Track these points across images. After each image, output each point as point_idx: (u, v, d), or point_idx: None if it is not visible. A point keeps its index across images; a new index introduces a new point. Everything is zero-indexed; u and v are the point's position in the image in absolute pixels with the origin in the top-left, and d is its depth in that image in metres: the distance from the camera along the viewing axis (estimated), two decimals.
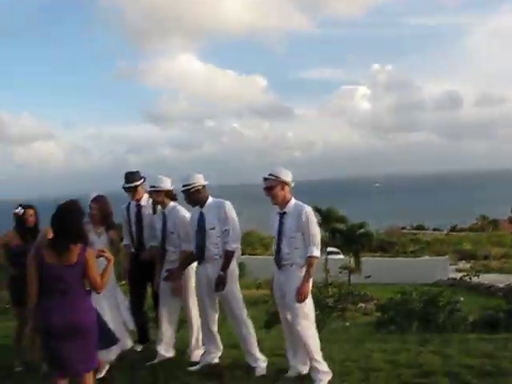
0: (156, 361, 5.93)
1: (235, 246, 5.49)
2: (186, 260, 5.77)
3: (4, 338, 7.59)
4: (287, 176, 5.14)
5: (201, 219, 5.56)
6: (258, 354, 5.57)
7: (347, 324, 12.18)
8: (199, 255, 5.58)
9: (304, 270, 5.08)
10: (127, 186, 6.30)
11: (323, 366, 5.14)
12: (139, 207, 6.38)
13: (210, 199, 5.63)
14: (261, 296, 16.25)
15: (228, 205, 5.55)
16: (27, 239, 6.14)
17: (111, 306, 6.09)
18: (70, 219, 4.23)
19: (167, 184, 5.89)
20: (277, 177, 5.10)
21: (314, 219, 5.14)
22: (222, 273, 5.42)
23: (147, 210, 6.37)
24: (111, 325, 6.01)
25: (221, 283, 5.41)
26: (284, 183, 5.12)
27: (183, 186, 5.56)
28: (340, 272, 16.58)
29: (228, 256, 5.47)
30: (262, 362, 5.53)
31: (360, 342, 6.62)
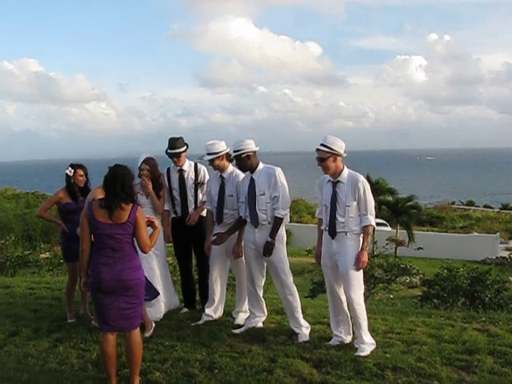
0: (201, 322, 6.08)
1: (284, 212, 5.53)
2: (236, 224, 5.85)
3: (58, 291, 7.92)
4: (340, 147, 5.11)
5: (251, 185, 5.61)
6: (302, 321, 5.64)
7: (391, 296, 12.12)
8: (250, 220, 5.64)
9: (357, 238, 5.12)
10: (171, 152, 6.33)
11: (368, 337, 5.19)
12: (182, 172, 6.43)
13: (261, 165, 5.67)
14: (307, 264, 16.37)
15: (278, 171, 5.57)
16: (77, 198, 6.35)
17: (160, 265, 6.28)
18: (121, 180, 4.37)
19: (225, 147, 5.90)
20: (329, 148, 5.07)
21: (369, 188, 5.13)
22: (270, 239, 5.49)
23: (190, 176, 6.43)
24: (160, 283, 6.20)
25: (269, 249, 5.49)
26: (336, 154, 5.09)
27: (234, 151, 5.60)
28: (387, 244, 16.40)
29: (277, 222, 5.52)
30: (305, 329, 5.61)
31: (404, 315, 6.60)
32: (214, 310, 6.18)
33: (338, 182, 5.15)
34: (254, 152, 5.63)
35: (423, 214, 39.16)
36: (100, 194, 5.31)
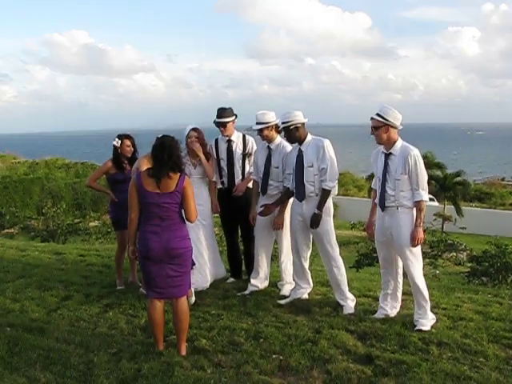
0: (247, 292, 6.16)
1: (332, 184, 5.51)
2: (282, 196, 5.87)
3: (107, 258, 8.13)
4: (394, 118, 4.99)
5: (299, 156, 5.60)
6: (348, 293, 5.65)
7: (437, 272, 12.01)
8: (296, 192, 5.65)
9: (410, 213, 5.02)
10: (218, 121, 6.35)
11: (429, 311, 5.14)
12: (230, 142, 6.44)
13: (309, 137, 5.64)
14: (352, 237, 16.34)
15: (327, 143, 5.54)
16: (124, 168, 6.46)
17: (208, 235, 6.36)
18: (169, 149, 4.42)
19: (274, 118, 5.91)
20: (383, 118, 4.98)
21: (421, 162, 5.00)
22: (317, 211, 5.49)
23: (238, 146, 6.44)
24: (206, 253, 6.30)
25: (316, 221, 5.49)
26: (389, 125, 4.99)
27: (282, 122, 5.59)
28: (434, 219, 16.21)
29: (325, 194, 5.51)
30: (350, 301, 5.62)
31: (450, 291, 6.53)
32: (259, 281, 6.25)
33: (390, 154, 5.05)
34: (303, 124, 5.60)
35: (472, 189, 38.41)
36: (145, 164, 5.42)
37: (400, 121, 5.03)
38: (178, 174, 4.44)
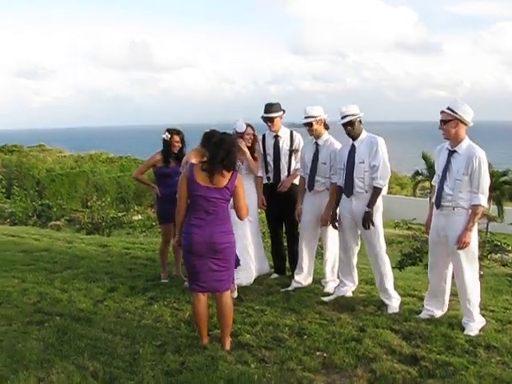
0: (291, 288, 6.15)
1: (384, 182, 5.45)
2: (334, 194, 5.81)
3: (152, 252, 8.24)
4: (465, 113, 4.82)
5: (351, 152, 5.53)
6: (393, 292, 5.59)
7: (481, 273, 11.76)
8: (344, 187, 5.60)
9: (466, 214, 4.87)
10: (266, 115, 6.35)
11: (478, 316, 5.03)
12: (277, 138, 6.45)
13: (364, 133, 5.56)
14: (395, 236, 16.12)
15: (381, 140, 5.46)
16: (169, 163, 6.50)
17: (253, 231, 6.38)
18: (228, 147, 4.44)
19: (322, 112, 5.88)
20: (453, 111, 4.82)
21: (486, 165, 4.83)
22: (368, 209, 5.43)
23: (285, 142, 6.43)
24: (252, 248, 6.32)
25: (368, 219, 5.43)
26: (459, 120, 4.82)
27: (345, 116, 5.47)
28: (479, 219, 15.87)
29: (376, 192, 5.45)
30: (395, 300, 5.55)
31: (498, 293, 6.42)
32: (303, 277, 6.24)
33: (455, 151, 4.90)
34: (360, 119, 5.52)
35: None
36: (194, 157, 5.45)
37: (471, 117, 4.85)
38: (232, 171, 4.48)
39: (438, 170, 5.06)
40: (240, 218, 4.60)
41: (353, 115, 5.44)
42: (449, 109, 4.85)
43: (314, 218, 6.02)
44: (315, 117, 5.83)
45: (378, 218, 5.54)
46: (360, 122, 5.51)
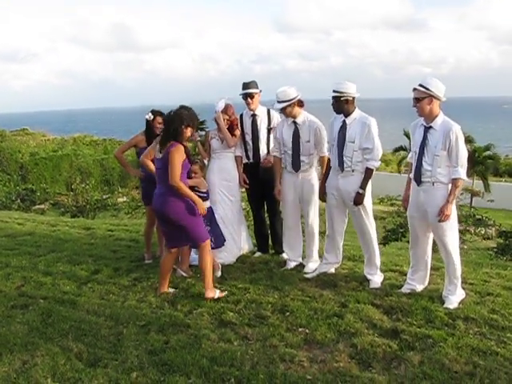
0: (287, 267, 6.19)
1: (377, 164, 5.46)
2: (326, 165, 5.80)
3: (136, 233, 8.26)
4: (438, 89, 4.81)
5: (342, 128, 5.48)
6: (377, 268, 5.66)
7: (465, 247, 11.92)
8: (338, 164, 5.54)
9: (446, 189, 4.91)
10: (245, 91, 6.32)
11: (459, 289, 5.12)
12: (254, 117, 6.43)
13: (357, 112, 5.49)
14: (379, 212, 16.22)
15: (373, 121, 5.42)
16: (150, 144, 6.47)
17: (235, 210, 6.42)
18: (170, 122, 5.10)
19: (296, 93, 5.77)
20: (426, 88, 4.81)
21: (462, 139, 4.85)
22: (361, 190, 5.43)
23: (263, 121, 6.41)
24: (234, 228, 6.35)
25: (360, 200, 5.45)
26: (433, 97, 4.82)
27: (334, 91, 5.41)
28: (461, 194, 16.02)
29: (369, 173, 5.46)
30: (377, 276, 5.63)
31: (478, 266, 6.49)
32: (298, 255, 6.29)
33: (431, 127, 4.91)
34: (353, 98, 5.45)
35: (502, 164, 37.79)
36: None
37: (443, 93, 4.86)
38: (172, 142, 5.00)
39: (415, 146, 5.06)
40: (169, 182, 4.97)
41: (340, 93, 5.38)
42: (421, 86, 4.84)
43: (296, 196, 6.04)
44: (288, 100, 5.72)
45: (367, 196, 5.54)
46: (347, 101, 5.39)
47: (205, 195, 5.87)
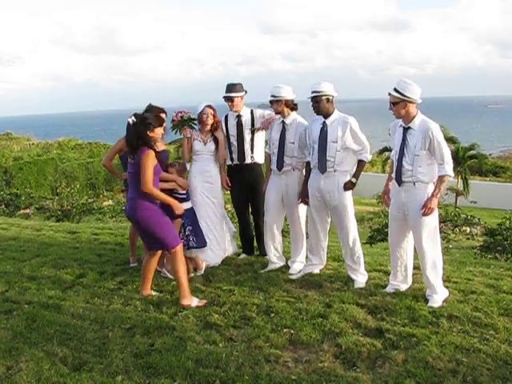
0: (269, 269, 6.20)
1: (369, 156, 5.58)
2: (307, 170, 5.85)
3: (121, 237, 8.23)
4: (413, 92, 4.84)
5: (323, 130, 5.52)
6: (362, 268, 5.69)
7: (450, 246, 12.02)
8: (319, 166, 5.57)
9: (427, 188, 4.96)
10: (226, 95, 6.34)
11: (441, 288, 5.16)
12: (239, 118, 6.43)
13: (336, 113, 5.54)
14: (365, 213, 16.33)
15: (353, 120, 5.49)
16: None
17: (218, 212, 6.42)
18: (133, 129, 5.10)
19: (288, 93, 5.83)
20: (400, 93, 4.86)
21: (442, 136, 4.89)
22: (354, 179, 5.54)
23: (247, 122, 6.41)
24: (217, 230, 6.36)
25: (350, 187, 5.55)
26: (407, 101, 4.86)
27: (313, 92, 5.45)
28: (446, 193, 16.17)
29: (362, 165, 5.58)
30: (362, 276, 5.66)
31: (462, 265, 6.55)
32: (276, 258, 6.28)
33: (409, 128, 4.95)
34: (332, 97, 5.50)
35: (487, 163, 38.10)
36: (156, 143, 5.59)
37: (419, 95, 4.89)
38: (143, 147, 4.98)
39: (396, 146, 5.11)
40: (141, 189, 4.95)
41: (319, 92, 5.43)
42: (396, 90, 4.88)
43: (279, 197, 6.06)
44: (275, 97, 5.80)
45: (348, 195, 5.59)
46: (328, 100, 5.46)
47: (184, 196, 5.90)
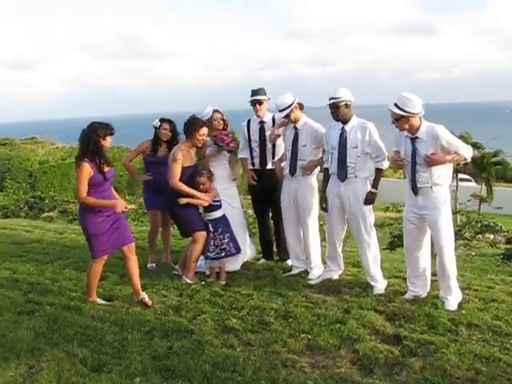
0: (291, 273, 6.24)
1: (386, 164, 5.54)
2: (325, 178, 5.84)
3: (142, 240, 8.29)
4: (413, 107, 4.82)
5: (342, 136, 5.52)
6: (379, 275, 5.68)
7: (473, 254, 11.87)
8: (339, 173, 5.58)
9: (443, 190, 5.00)
10: (254, 98, 6.39)
11: (457, 291, 5.17)
12: (262, 124, 6.48)
13: (355, 118, 5.55)
14: (386, 219, 16.16)
15: (372, 125, 5.49)
16: (157, 150, 6.54)
17: (237, 218, 6.45)
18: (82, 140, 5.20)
19: (293, 97, 5.84)
20: (401, 109, 4.83)
21: (449, 135, 4.91)
22: (373, 189, 5.53)
23: (269, 128, 6.43)
24: (238, 234, 6.40)
25: (371, 199, 5.54)
26: (409, 117, 4.85)
27: (331, 98, 5.45)
28: (468, 200, 15.97)
29: (379, 173, 5.56)
30: (381, 283, 5.65)
31: (483, 272, 6.50)
32: (297, 262, 6.33)
33: (417, 137, 4.95)
34: (350, 102, 5.51)
35: (511, 169, 37.63)
36: (181, 151, 5.65)
37: (420, 107, 4.86)
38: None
39: (407, 156, 5.08)
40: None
41: (337, 98, 5.43)
42: (396, 106, 4.86)
43: (292, 202, 6.09)
44: (289, 106, 5.80)
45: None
46: (346, 105, 5.47)
47: (217, 203, 6.01)
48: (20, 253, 7.83)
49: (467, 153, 4.97)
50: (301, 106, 5.95)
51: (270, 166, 6.49)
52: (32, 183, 26.84)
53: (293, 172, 6.00)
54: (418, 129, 4.94)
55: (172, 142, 6.50)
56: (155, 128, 6.54)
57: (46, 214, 16.79)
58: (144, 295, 5.42)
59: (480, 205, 27.02)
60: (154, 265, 6.67)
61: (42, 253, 7.77)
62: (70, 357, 4.24)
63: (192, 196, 5.88)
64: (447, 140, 4.87)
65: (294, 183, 6.04)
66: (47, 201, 17.16)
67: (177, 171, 5.79)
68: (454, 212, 12.43)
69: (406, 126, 4.93)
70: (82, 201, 5.17)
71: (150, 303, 5.32)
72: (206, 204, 5.97)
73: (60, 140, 46.76)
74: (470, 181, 32.25)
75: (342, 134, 5.53)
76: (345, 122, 5.53)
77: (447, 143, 4.87)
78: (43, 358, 4.22)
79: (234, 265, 6.33)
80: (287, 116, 5.88)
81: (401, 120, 4.90)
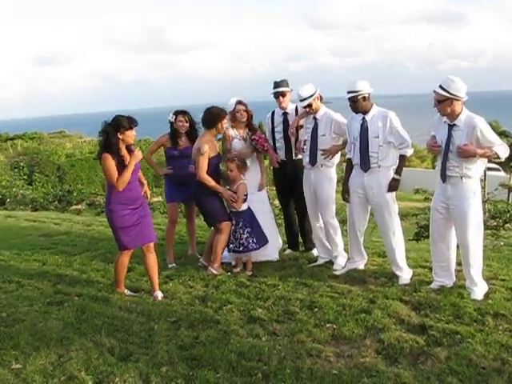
0: (317, 263, 6.26)
1: (410, 150, 5.51)
2: (348, 167, 5.83)
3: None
4: (458, 90, 4.77)
5: (363, 126, 5.52)
6: (404, 265, 5.65)
7: (501, 243, 11.71)
8: (361, 163, 5.57)
9: (473, 183, 4.95)
10: (277, 90, 6.38)
11: (482, 280, 5.13)
12: (286, 115, 6.49)
13: (375, 108, 5.54)
14: (413, 208, 16.06)
15: (393, 114, 5.47)
16: (177, 143, 6.55)
17: (265, 209, 6.47)
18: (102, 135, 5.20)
19: (314, 88, 5.87)
20: (446, 91, 4.78)
21: (487, 128, 4.82)
22: (396, 176, 5.50)
23: (292, 119, 6.42)
24: (265, 226, 6.42)
25: (395, 186, 5.52)
26: (453, 99, 4.79)
27: (349, 92, 5.46)
28: (496, 189, 15.73)
29: (403, 160, 5.52)
30: (406, 272, 5.62)
31: (510, 262, 6.42)
32: (322, 253, 6.36)
33: (454, 125, 4.89)
34: (369, 94, 5.50)
35: None
36: (206, 142, 5.66)
37: (464, 92, 4.81)
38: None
39: (441, 142, 5.02)
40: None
41: (355, 92, 5.42)
42: (441, 88, 4.81)
43: (313, 194, 6.11)
44: (311, 95, 5.82)
45: (391, 193, 5.56)
46: (364, 98, 5.45)
47: (244, 197, 6.05)
48: (49, 245, 7.98)
49: (501, 151, 4.85)
50: (320, 98, 5.95)
51: (293, 157, 6.50)
52: (60, 176, 27.23)
53: (313, 162, 6.02)
54: (457, 116, 4.87)
55: (192, 133, 6.51)
56: (171, 122, 6.55)
57: (74, 207, 17.02)
58: (158, 293, 5.45)
59: (509, 194, 26.64)
60: (174, 264, 6.62)
61: (70, 245, 7.91)
62: (98, 346, 4.32)
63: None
64: (484, 133, 4.78)
65: (313, 174, 6.06)
66: (75, 194, 17.41)
67: (204, 164, 5.84)
68: (483, 201, 12.28)
69: (448, 110, 4.85)
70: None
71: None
72: (237, 207, 6.08)
73: (87, 134, 47.26)
74: (498, 170, 31.74)
75: (362, 125, 5.52)
76: (365, 112, 5.52)
77: (482, 136, 4.78)
78: (72, 348, 4.31)
79: (273, 255, 6.44)
80: (308, 106, 5.88)
81: (444, 102, 4.83)
